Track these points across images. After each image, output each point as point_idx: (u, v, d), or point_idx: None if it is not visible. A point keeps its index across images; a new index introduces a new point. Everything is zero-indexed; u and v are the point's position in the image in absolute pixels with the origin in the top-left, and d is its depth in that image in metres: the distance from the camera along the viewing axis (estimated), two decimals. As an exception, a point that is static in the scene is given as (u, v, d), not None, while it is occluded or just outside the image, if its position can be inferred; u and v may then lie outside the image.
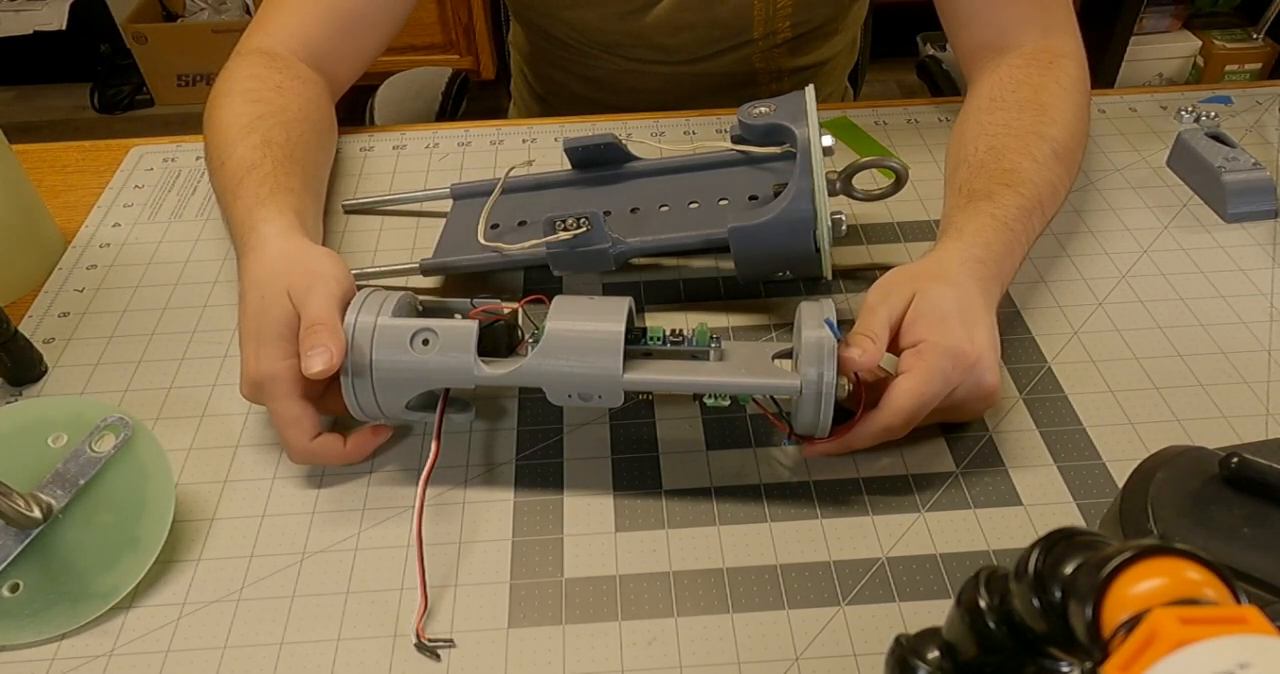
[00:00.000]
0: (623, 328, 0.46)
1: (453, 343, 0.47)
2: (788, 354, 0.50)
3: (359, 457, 0.51)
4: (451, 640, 0.44)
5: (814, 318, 0.47)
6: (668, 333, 0.49)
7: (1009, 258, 0.54)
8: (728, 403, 0.48)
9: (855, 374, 0.47)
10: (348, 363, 0.47)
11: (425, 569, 0.46)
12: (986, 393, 0.49)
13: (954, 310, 0.48)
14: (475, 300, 0.51)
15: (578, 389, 0.47)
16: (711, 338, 0.49)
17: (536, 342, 0.47)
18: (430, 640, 0.44)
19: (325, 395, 0.51)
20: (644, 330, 0.49)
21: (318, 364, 0.45)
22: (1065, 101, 0.62)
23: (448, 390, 0.50)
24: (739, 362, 0.48)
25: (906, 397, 0.47)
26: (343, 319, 0.48)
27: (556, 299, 0.49)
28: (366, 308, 0.48)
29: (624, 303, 0.48)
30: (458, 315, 0.50)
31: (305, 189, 0.59)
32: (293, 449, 0.49)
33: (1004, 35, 0.67)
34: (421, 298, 0.52)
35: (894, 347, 0.50)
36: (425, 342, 0.47)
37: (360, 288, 0.62)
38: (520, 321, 0.51)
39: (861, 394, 0.48)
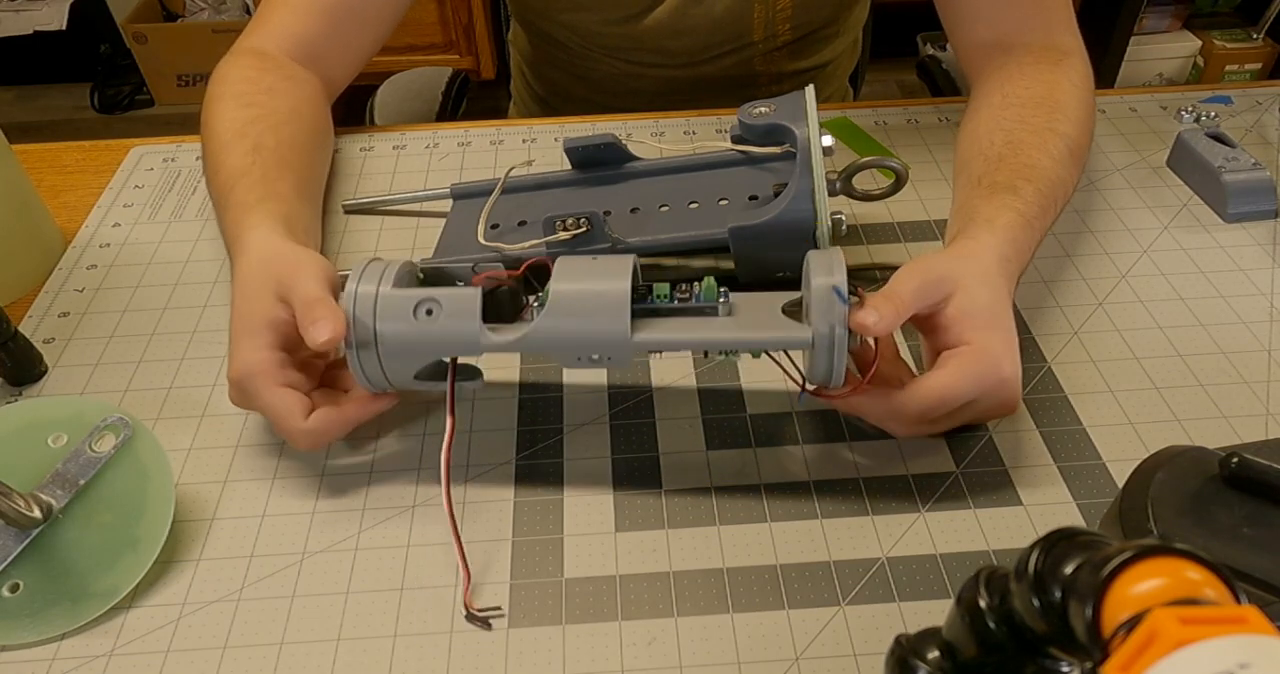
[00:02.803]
0: (628, 286, 0.46)
1: (457, 311, 0.46)
2: (798, 304, 0.49)
3: (364, 416, 0.50)
4: (500, 608, 0.45)
5: (823, 266, 0.46)
6: (674, 290, 0.48)
7: (1027, 256, 0.54)
8: (739, 357, 0.48)
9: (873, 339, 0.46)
10: (351, 335, 0.46)
11: (462, 540, 0.46)
12: (1010, 406, 0.49)
13: (998, 318, 0.48)
14: (477, 266, 0.50)
15: (585, 352, 0.46)
16: (720, 293, 0.48)
17: (541, 306, 0.47)
18: (480, 611, 0.44)
19: (329, 375, 0.51)
20: (649, 287, 0.48)
21: (324, 333, 0.44)
22: (1077, 100, 0.62)
23: (455, 359, 0.49)
24: (748, 316, 0.48)
25: (934, 392, 0.46)
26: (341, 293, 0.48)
27: (559, 260, 0.48)
28: (366, 277, 0.47)
29: (628, 261, 0.47)
30: (460, 283, 0.50)
31: (296, 193, 0.59)
32: (293, 436, 0.48)
33: (1007, 34, 0.67)
34: (421, 264, 0.50)
35: (923, 328, 0.49)
36: (429, 312, 0.46)
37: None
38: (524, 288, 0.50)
39: (874, 355, 0.47)
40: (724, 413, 0.54)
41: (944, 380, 0.47)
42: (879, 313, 0.45)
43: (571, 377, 0.56)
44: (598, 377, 0.56)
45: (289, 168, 0.59)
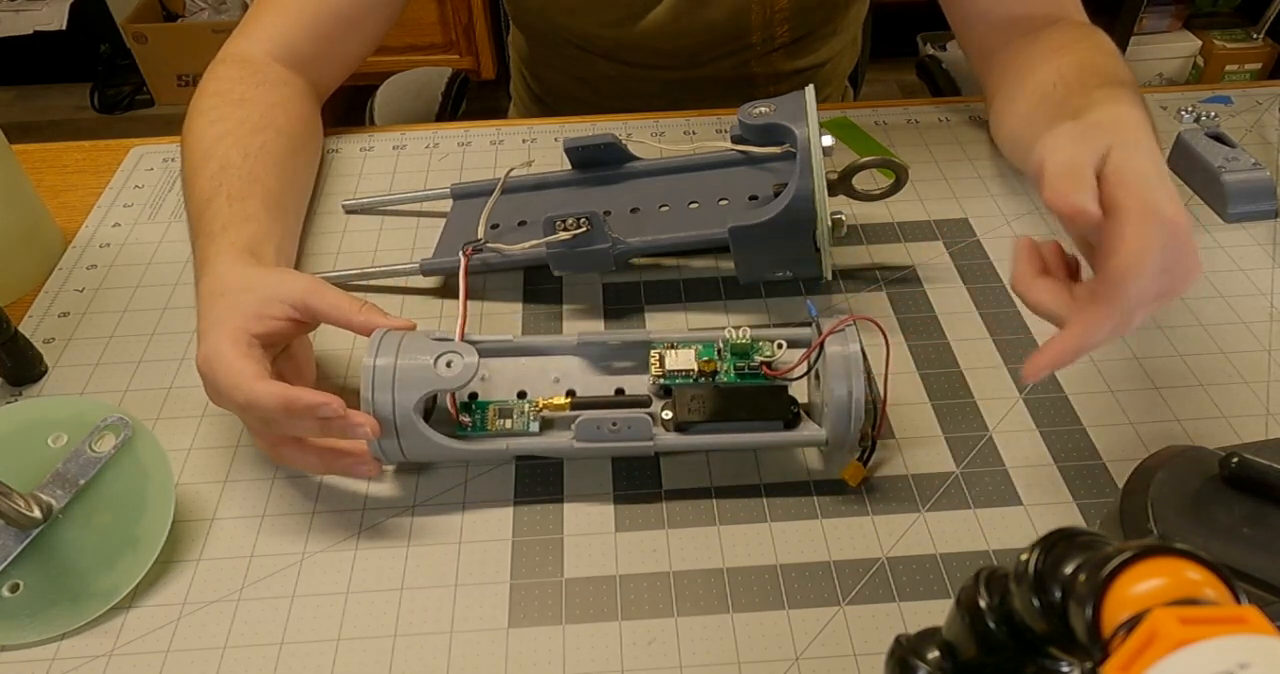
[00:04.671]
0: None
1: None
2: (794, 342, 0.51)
3: (320, 400, 0.44)
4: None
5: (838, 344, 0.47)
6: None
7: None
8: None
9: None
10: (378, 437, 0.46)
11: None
12: (1193, 264, 0.42)
13: (1154, 176, 0.43)
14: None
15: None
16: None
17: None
18: None
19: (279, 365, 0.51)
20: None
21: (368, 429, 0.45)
22: (1119, 58, 0.59)
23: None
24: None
25: (1124, 258, 0.40)
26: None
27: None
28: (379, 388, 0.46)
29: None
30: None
31: (265, 208, 0.57)
32: (254, 397, 0.44)
33: (1020, 16, 0.66)
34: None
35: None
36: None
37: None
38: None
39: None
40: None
41: (1129, 243, 0.40)
42: (1062, 185, 0.41)
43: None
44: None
45: (258, 182, 0.58)
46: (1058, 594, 0.27)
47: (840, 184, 0.58)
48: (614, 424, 0.47)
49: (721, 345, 0.51)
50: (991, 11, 0.68)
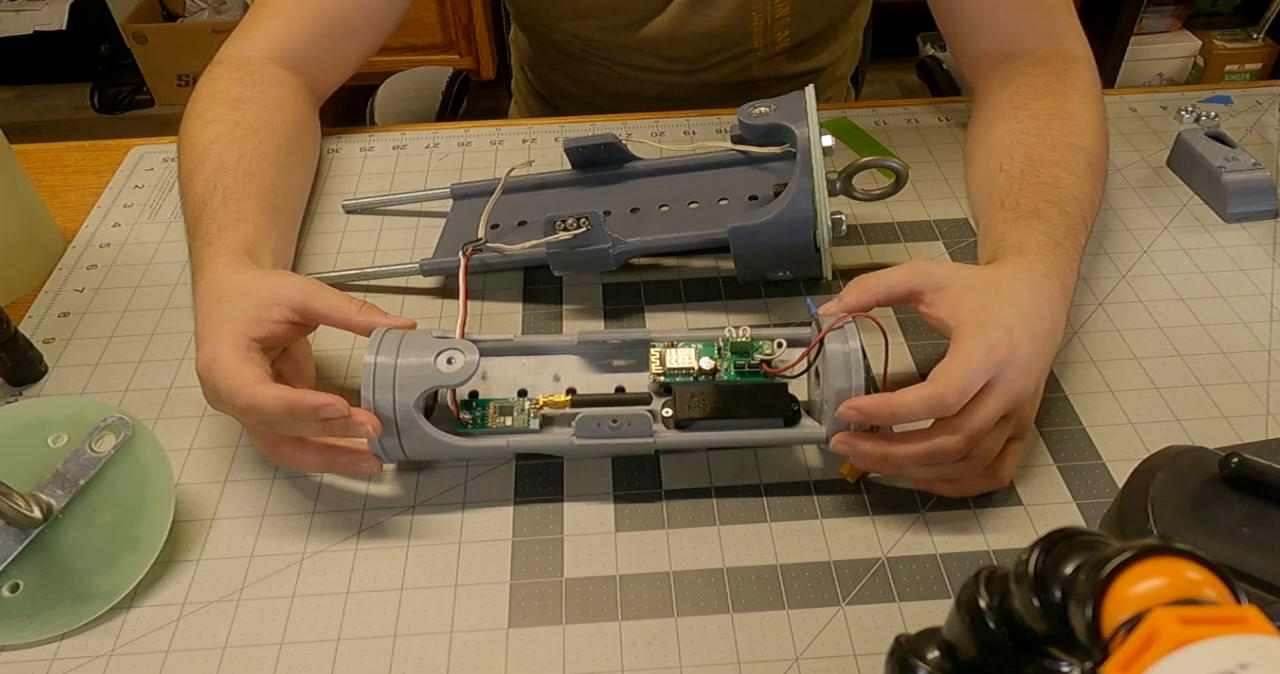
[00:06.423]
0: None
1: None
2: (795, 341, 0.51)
3: (319, 402, 0.44)
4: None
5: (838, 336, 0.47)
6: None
7: (1068, 275, 0.51)
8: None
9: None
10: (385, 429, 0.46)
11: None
12: (1020, 392, 0.46)
13: (998, 307, 0.46)
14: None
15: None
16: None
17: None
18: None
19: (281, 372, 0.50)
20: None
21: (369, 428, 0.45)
22: (1089, 110, 0.61)
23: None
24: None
25: (941, 376, 0.44)
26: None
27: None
28: (380, 386, 0.46)
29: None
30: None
31: (261, 209, 0.56)
32: (255, 401, 0.44)
33: (1010, 42, 0.66)
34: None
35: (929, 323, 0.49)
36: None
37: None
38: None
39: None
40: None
41: (948, 361, 0.44)
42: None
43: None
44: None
45: (253, 183, 0.57)
46: (1058, 594, 0.27)
47: (840, 184, 0.58)
48: (614, 421, 0.47)
49: (721, 344, 0.51)
50: (978, 41, 0.68)
